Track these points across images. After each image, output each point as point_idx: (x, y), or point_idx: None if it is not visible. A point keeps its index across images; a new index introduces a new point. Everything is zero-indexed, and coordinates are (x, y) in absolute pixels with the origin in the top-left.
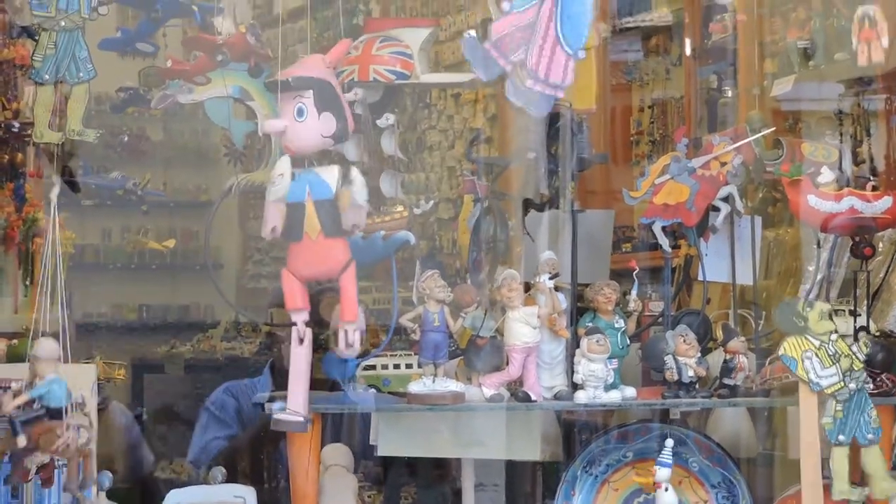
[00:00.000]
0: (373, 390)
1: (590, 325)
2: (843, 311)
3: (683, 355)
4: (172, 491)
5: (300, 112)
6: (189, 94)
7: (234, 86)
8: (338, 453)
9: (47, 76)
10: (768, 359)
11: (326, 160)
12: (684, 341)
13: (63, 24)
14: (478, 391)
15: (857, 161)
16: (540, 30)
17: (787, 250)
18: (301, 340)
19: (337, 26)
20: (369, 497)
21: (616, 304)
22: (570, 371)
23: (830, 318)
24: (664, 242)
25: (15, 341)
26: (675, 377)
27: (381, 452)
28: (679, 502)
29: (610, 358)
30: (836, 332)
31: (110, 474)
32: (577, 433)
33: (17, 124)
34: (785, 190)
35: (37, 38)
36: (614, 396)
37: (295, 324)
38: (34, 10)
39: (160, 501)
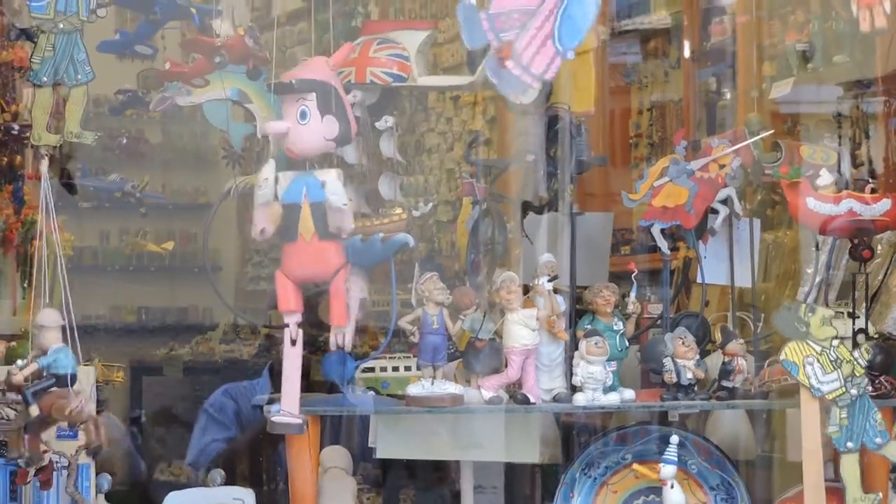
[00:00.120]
0: (371, 392)
1: (588, 327)
2: (842, 313)
3: (682, 357)
4: (171, 493)
5: (303, 115)
6: (187, 97)
7: (233, 88)
8: (337, 455)
9: (45, 78)
10: (767, 361)
11: (325, 162)
12: (683, 343)
13: (61, 26)
14: (476, 393)
15: (855, 163)
16: (538, 20)
17: (786, 253)
18: (293, 342)
19: (335, 29)
20: (368, 499)
21: (615, 307)
22: (569, 373)
23: (832, 324)
24: (663, 245)
25: (14, 343)
26: (674, 379)
27: (379, 455)
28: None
29: (609, 360)
30: (837, 337)
31: (109, 477)
32: (575, 435)
33: (16, 126)
34: (784, 192)
35: (35, 40)
36: (613, 398)
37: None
38: (32, 12)
39: None
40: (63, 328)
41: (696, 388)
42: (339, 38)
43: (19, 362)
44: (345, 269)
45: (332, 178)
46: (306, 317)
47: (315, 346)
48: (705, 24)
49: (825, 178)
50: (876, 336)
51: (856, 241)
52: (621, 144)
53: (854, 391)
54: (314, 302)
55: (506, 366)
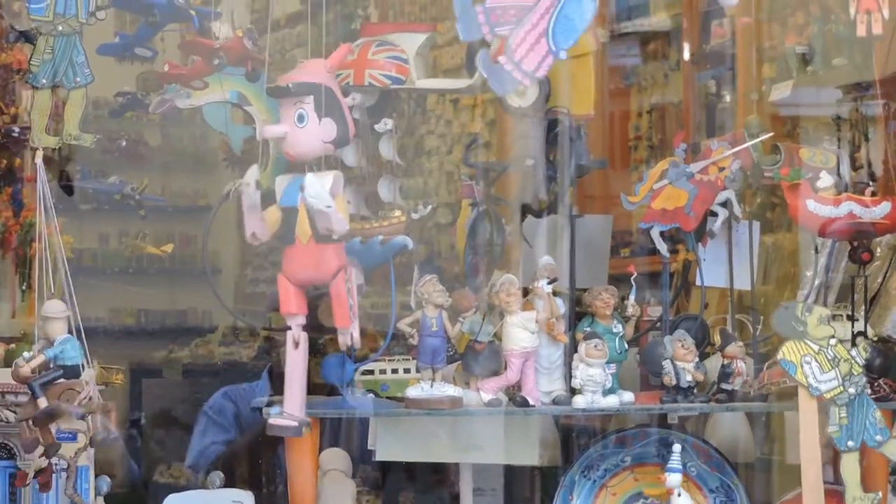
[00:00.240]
0: (371, 395)
1: (588, 329)
2: (841, 316)
3: (681, 360)
4: (170, 496)
5: (301, 118)
6: (187, 99)
7: (232, 90)
8: (336, 458)
9: (44, 80)
10: (766, 364)
11: (324, 165)
12: (682, 346)
13: (60, 28)
14: (476, 396)
15: (854, 166)
16: (534, 17)
17: (786, 255)
18: (296, 345)
19: (335, 31)
20: (367, 501)
21: (614, 309)
22: (569, 376)
23: (829, 323)
24: (662, 247)
25: (13, 346)
26: (674, 382)
27: (379, 457)
28: None
29: (608, 363)
30: (834, 336)
31: (108, 479)
32: (575, 438)
33: (16, 129)
34: (784, 194)
35: (34, 42)
36: (612, 401)
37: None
38: (32, 15)
39: None
40: (69, 318)
41: (695, 391)
42: (338, 40)
43: (25, 354)
44: (345, 271)
45: (310, 182)
46: (306, 319)
47: (314, 348)
48: (705, 26)
49: (825, 180)
50: (875, 339)
51: (855, 243)
52: (621, 147)
53: (852, 390)
54: (313, 305)
55: (505, 368)
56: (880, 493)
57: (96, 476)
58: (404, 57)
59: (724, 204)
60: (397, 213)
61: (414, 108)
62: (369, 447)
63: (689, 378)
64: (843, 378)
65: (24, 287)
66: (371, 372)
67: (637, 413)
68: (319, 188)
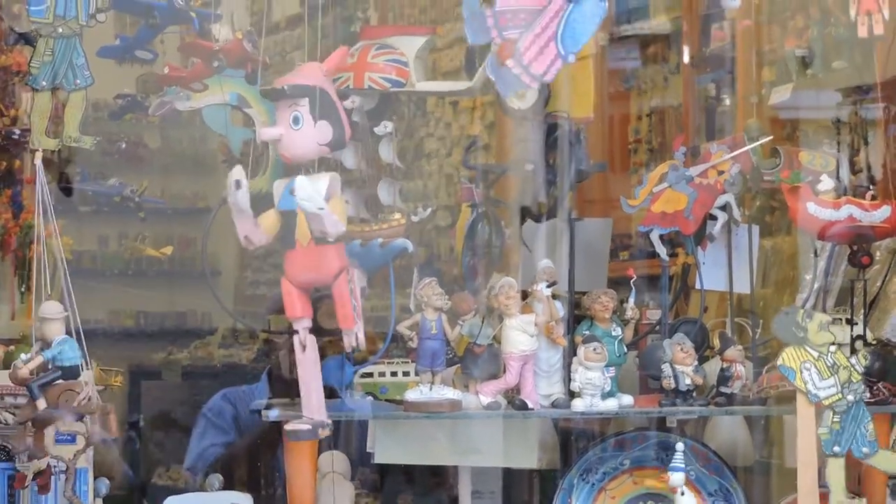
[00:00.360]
0: (370, 398)
1: (587, 333)
2: (840, 319)
3: (680, 363)
4: (169, 498)
5: (296, 120)
6: (187, 101)
7: (232, 93)
8: (335, 460)
9: (44, 83)
10: (765, 367)
11: (324, 167)
12: (681, 349)
13: (60, 30)
14: (475, 399)
15: (854, 170)
16: (543, 21)
17: (785, 259)
18: (303, 348)
19: (335, 34)
20: None
21: (613, 313)
22: (568, 379)
23: (829, 330)
24: (662, 251)
25: (12, 347)
26: (673, 385)
27: (377, 460)
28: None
29: (607, 366)
30: (834, 343)
31: (107, 481)
32: (574, 441)
33: (17, 131)
34: (784, 198)
35: (34, 44)
36: (611, 404)
37: (293, 332)
38: (32, 17)
39: None
40: (66, 319)
41: (694, 394)
42: (338, 43)
43: (23, 356)
44: (346, 272)
45: (300, 184)
46: None
47: None
48: (705, 29)
49: (826, 183)
50: (874, 343)
51: (855, 247)
52: (620, 150)
53: (851, 397)
54: (313, 307)
55: (504, 371)
56: (865, 500)
57: (95, 478)
58: (404, 60)
59: (724, 207)
60: (397, 215)
61: (414, 111)
62: (368, 450)
63: (688, 381)
64: (842, 385)
65: (22, 289)
66: (370, 374)
67: (636, 416)
68: (311, 191)
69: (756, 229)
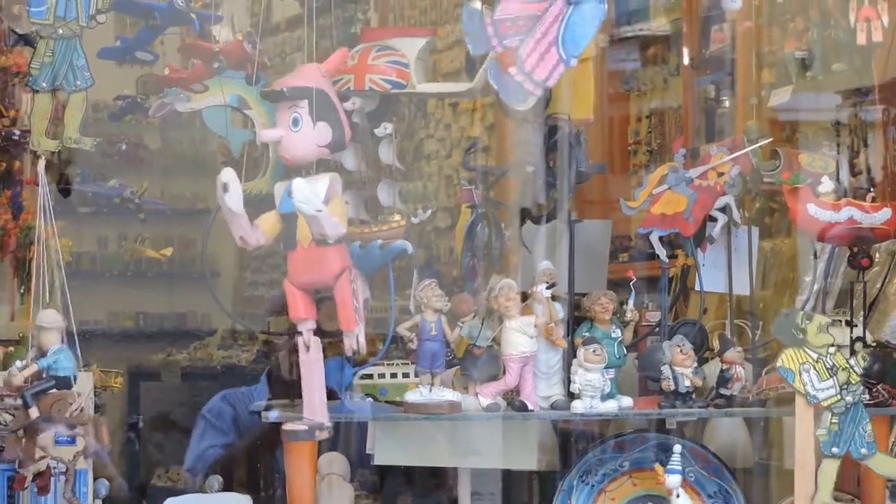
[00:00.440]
0: (370, 399)
1: (587, 334)
2: (840, 321)
3: (680, 365)
4: (169, 499)
5: (295, 122)
6: (187, 103)
7: (232, 94)
8: (334, 462)
9: (44, 84)
10: (765, 369)
11: (323, 169)
12: (681, 351)
13: (61, 32)
14: (474, 400)
15: (853, 172)
16: (542, 26)
17: (784, 261)
18: (306, 349)
19: (335, 35)
20: None
21: (613, 314)
22: (567, 380)
23: (829, 332)
24: (661, 252)
25: (12, 349)
26: (672, 387)
27: (377, 461)
28: None
29: (607, 368)
30: (834, 345)
31: (107, 482)
32: (573, 442)
33: (17, 132)
34: (783, 199)
35: (34, 45)
36: (611, 406)
37: (293, 333)
38: (32, 18)
39: None
40: (63, 328)
41: (693, 396)
42: (339, 44)
43: (18, 363)
44: (347, 273)
45: (298, 186)
46: None
47: None
48: (705, 31)
49: (826, 185)
50: (874, 344)
51: (855, 249)
52: (620, 151)
53: (849, 398)
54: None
55: (504, 373)
56: (856, 502)
57: (95, 479)
58: (405, 61)
59: (724, 209)
60: (397, 217)
61: (414, 112)
62: (368, 451)
63: (687, 383)
64: (840, 387)
65: (22, 290)
66: (370, 376)
67: (635, 418)
68: (308, 193)
69: (756, 231)
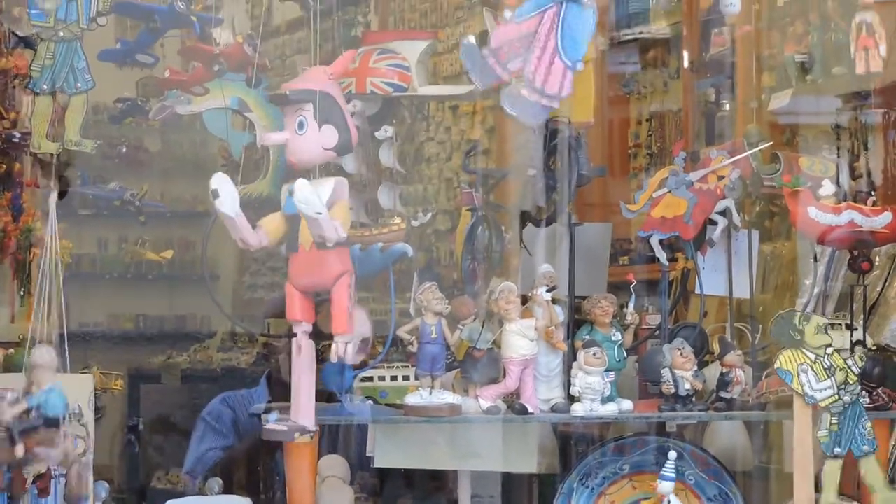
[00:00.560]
0: (370, 402)
1: (587, 337)
2: (840, 325)
3: (680, 368)
4: (168, 501)
5: (300, 125)
6: (187, 105)
7: (233, 97)
8: (334, 464)
9: (45, 86)
10: (765, 372)
11: (323, 172)
12: (681, 354)
13: (61, 34)
14: (475, 403)
15: (854, 175)
16: (540, 40)
17: (784, 264)
18: (299, 350)
19: (336, 37)
20: None
21: (613, 317)
22: (567, 384)
23: (826, 332)
24: (661, 255)
25: (12, 351)
26: (672, 390)
27: (377, 464)
28: None
29: (607, 371)
30: (831, 345)
31: (107, 484)
32: (573, 445)
33: (17, 134)
34: (783, 203)
35: (35, 48)
36: (611, 409)
37: (292, 335)
38: (32, 20)
39: None
40: (57, 367)
41: (693, 399)
42: (339, 46)
43: (9, 395)
44: (346, 277)
45: (300, 186)
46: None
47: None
48: (705, 34)
49: (827, 188)
50: (874, 348)
51: (855, 252)
52: (620, 154)
53: (847, 398)
54: (315, 311)
55: (504, 376)
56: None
57: (95, 481)
58: (406, 64)
59: (724, 212)
60: (397, 220)
61: (414, 115)
62: (368, 454)
63: (687, 386)
64: (838, 387)
65: (22, 292)
66: (370, 379)
67: (635, 421)
68: (309, 194)
69: (756, 234)
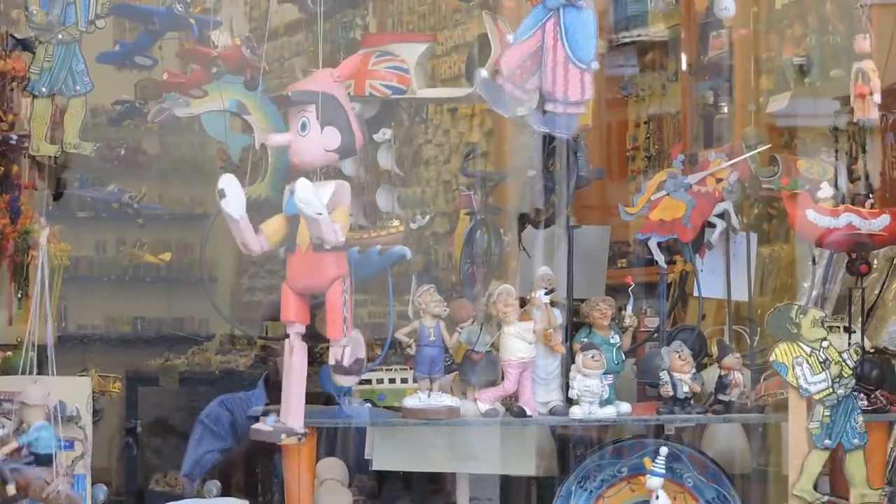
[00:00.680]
0: (368, 404)
1: (585, 340)
2: (838, 327)
3: (678, 371)
4: None
5: (303, 126)
6: (186, 108)
7: (231, 99)
8: (332, 467)
9: (43, 89)
10: (763, 375)
11: (322, 174)
12: (679, 357)
13: (60, 36)
14: (473, 406)
15: (852, 178)
16: (548, 52)
17: (783, 267)
18: (291, 351)
19: (334, 40)
20: None
21: (611, 320)
22: (566, 386)
23: (822, 325)
24: (660, 258)
25: (9, 353)
26: (670, 393)
27: (376, 466)
28: None
29: (605, 373)
30: (827, 339)
31: (105, 487)
32: (571, 448)
33: (14, 136)
34: (782, 205)
35: (33, 50)
36: (609, 412)
37: (287, 337)
38: (31, 23)
39: None
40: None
41: (692, 402)
42: (337, 49)
43: (1, 431)
44: (340, 281)
45: (301, 186)
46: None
47: (312, 357)
48: (703, 37)
49: (826, 190)
50: (872, 351)
51: (853, 255)
52: (618, 157)
53: (841, 391)
54: (312, 313)
55: (502, 378)
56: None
57: (93, 484)
58: (405, 67)
59: (722, 215)
60: (395, 222)
61: (412, 118)
62: (366, 456)
63: (686, 389)
64: (832, 380)
65: (19, 295)
66: (368, 381)
67: (634, 424)
68: (310, 194)
69: (754, 237)
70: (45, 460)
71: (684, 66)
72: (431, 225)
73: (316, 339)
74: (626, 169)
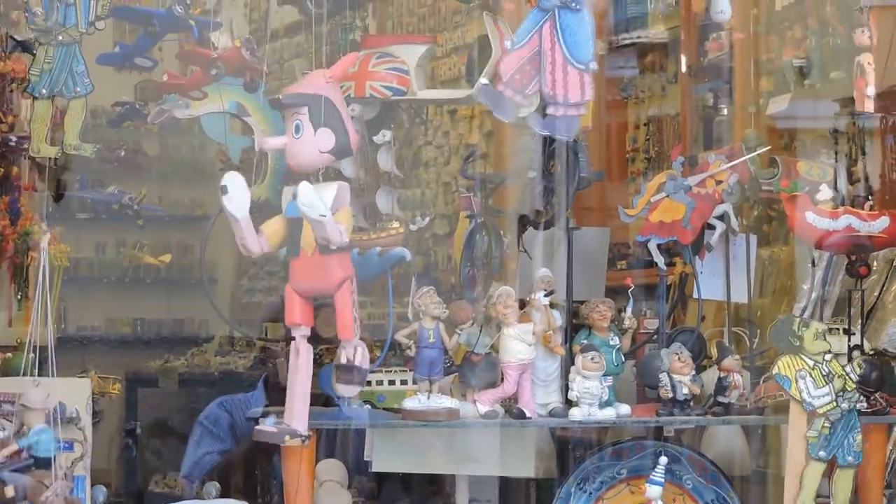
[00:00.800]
0: (367, 406)
1: (585, 342)
2: (838, 329)
3: (678, 373)
4: None
5: (297, 128)
6: (186, 110)
7: (231, 101)
8: (332, 469)
9: (44, 90)
10: (762, 377)
11: (321, 176)
12: (679, 359)
13: (60, 38)
14: (472, 408)
15: (852, 180)
16: (547, 55)
17: (782, 268)
18: (296, 353)
19: (334, 42)
20: None
21: (611, 322)
22: (565, 388)
23: (825, 338)
24: (659, 260)
25: (9, 354)
26: (670, 395)
27: (375, 468)
28: None
29: (605, 375)
30: (830, 352)
31: (104, 489)
32: (571, 450)
33: (13, 138)
34: (781, 207)
35: (33, 52)
36: (609, 414)
37: (290, 340)
38: (31, 25)
39: None
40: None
41: (691, 404)
42: (337, 50)
43: (1, 434)
44: (349, 282)
45: (303, 189)
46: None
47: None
48: (703, 39)
49: (825, 192)
50: (871, 353)
51: (853, 257)
52: (618, 159)
53: (845, 405)
54: (313, 315)
55: (502, 380)
56: None
57: (92, 486)
58: (405, 68)
59: (722, 217)
60: (395, 224)
61: (412, 120)
62: (365, 458)
63: (685, 391)
64: (836, 394)
65: (19, 296)
66: (368, 383)
67: (633, 426)
68: (313, 197)
69: (754, 239)
70: (44, 464)
71: (684, 68)
72: (431, 227)
73: (316, 341)
74: (626, 171)
